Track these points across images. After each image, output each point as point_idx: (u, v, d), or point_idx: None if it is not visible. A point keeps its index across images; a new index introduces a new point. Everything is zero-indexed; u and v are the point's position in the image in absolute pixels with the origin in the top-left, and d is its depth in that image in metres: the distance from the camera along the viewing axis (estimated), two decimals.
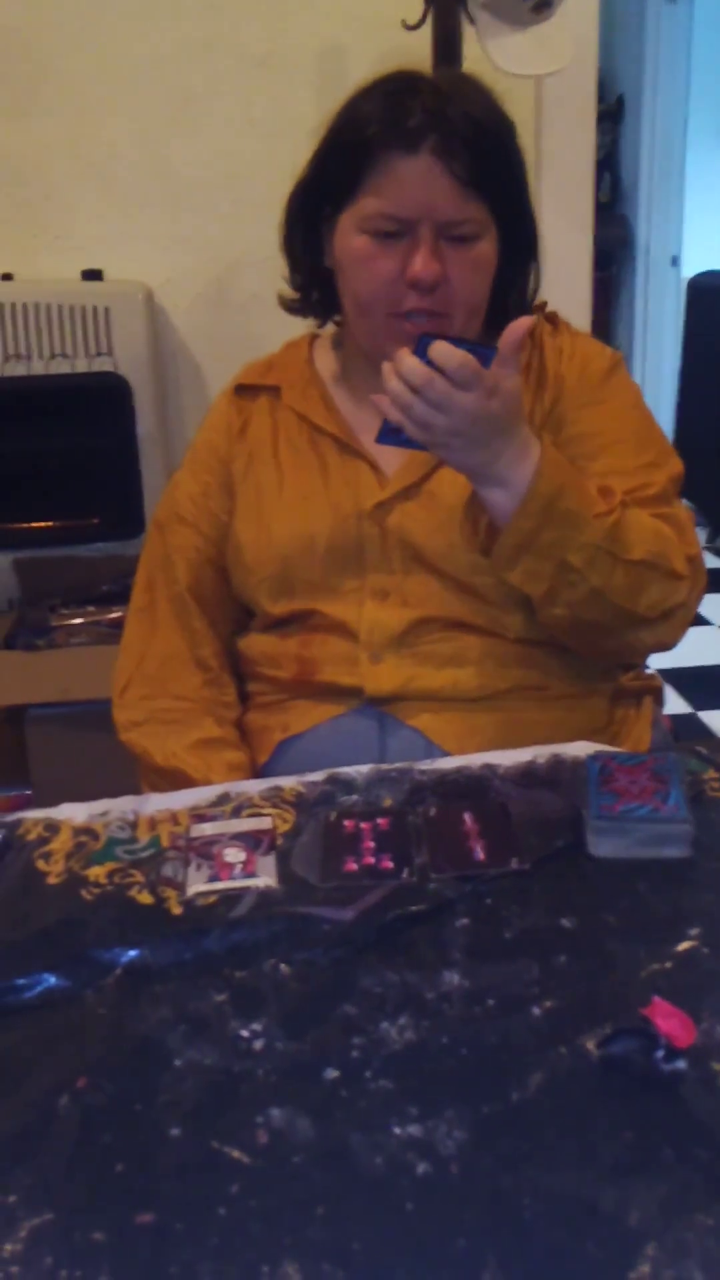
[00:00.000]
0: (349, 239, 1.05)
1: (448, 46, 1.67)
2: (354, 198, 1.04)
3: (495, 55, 1.62)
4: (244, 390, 1.20)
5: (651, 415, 1.15)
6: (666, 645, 1.08)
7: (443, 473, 1.09)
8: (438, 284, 1.03)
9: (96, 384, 1.90)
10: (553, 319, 1.18)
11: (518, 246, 1.10)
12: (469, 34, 1.67)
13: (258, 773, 1.12)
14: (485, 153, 1.01)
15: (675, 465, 1.12)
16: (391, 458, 1.11)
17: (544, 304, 1.18)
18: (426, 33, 1.68)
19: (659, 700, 1.24)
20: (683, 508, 1.10)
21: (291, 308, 1.20)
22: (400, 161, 1.01)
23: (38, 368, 1.90)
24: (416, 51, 1.61)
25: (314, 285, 1.16)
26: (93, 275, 1.96)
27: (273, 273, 1.18)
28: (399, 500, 1.09)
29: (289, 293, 1.19)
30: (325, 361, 1.20)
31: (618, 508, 0.99)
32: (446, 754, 1.04)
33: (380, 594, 1.09)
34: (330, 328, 1.22)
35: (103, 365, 1.91)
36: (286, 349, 1.23)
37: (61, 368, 1.90)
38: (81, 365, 1.91)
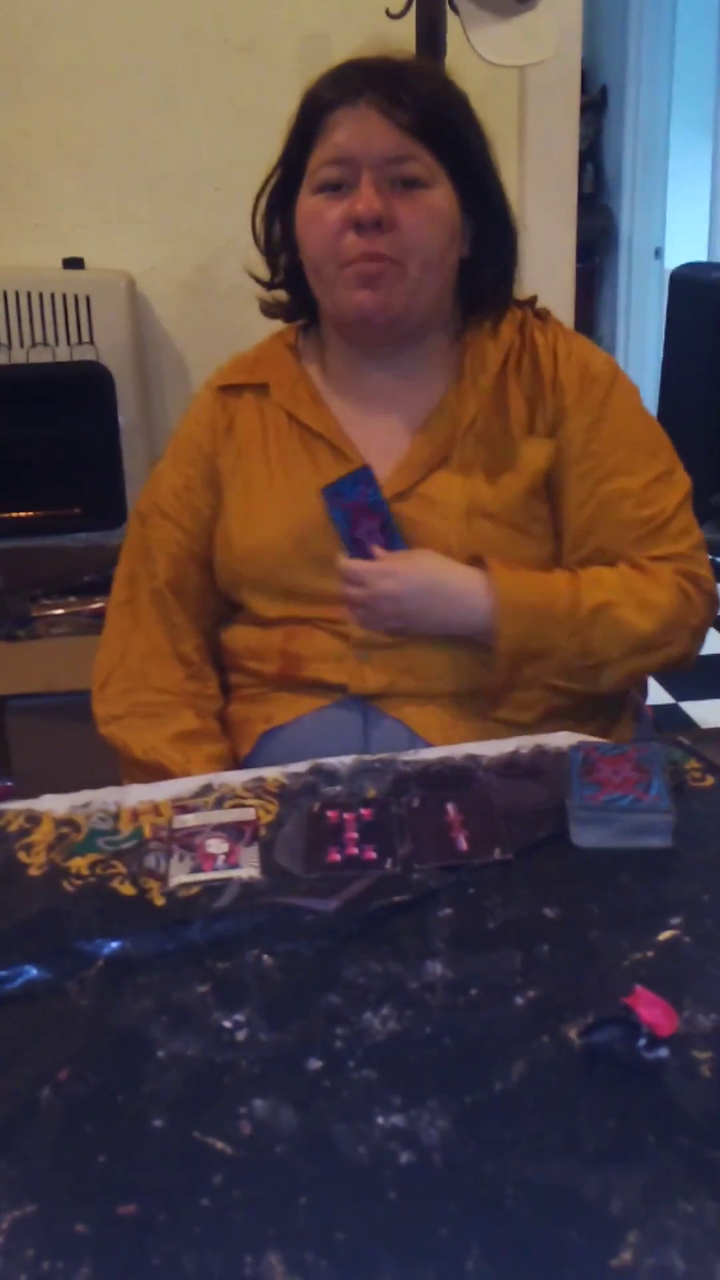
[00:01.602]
0: (304, 206, 1.06)
1: (431, 36, 1.67)
2: (307, 169, 1.06)
3: (479, 45, 1.62)
4: (229, 388, 1.19)
5: (653, 419, 1.15)
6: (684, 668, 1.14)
7: (438, 476, 1.08)
8: (379, 220, 1.02)
9: (78, 373, 1.88)
10: (543, 315, 1.17)
11: (486, 218, 1.10)
12: (453, 23, 1.66)
13: (239, 764, 1.12)
14: (426, 104, 1.03)
15: (684, 477, 1.13)
16: (385, 459, 1.10)
17: (534, 298, 1.18)
18: (410, 22, 1.67)
19: (642, 691, 1.25)
20: (693, 528, 1.12)
21: (271, 312, 1.19)
22: (341, 114, 1.03)
23: (18, 356, 1.88)
24: (400, 40, 1.61)
25: (291, 281, 1.15)
26: (74, 263, 1.94)
27: (256, 261, 1.17)
28: (392, 503, 1.08)
29: (268, 296, 1.19)
30: (311, 353, 1.19)
31: (586, 617, 1.04)
32: (430, 745, 1.04)
33: None
34: None
35: (84, 354, 1.89)
36: (272, 340, 1.22)
37: (42, 356, 1.89)
38: (63, 354, 1.89)
